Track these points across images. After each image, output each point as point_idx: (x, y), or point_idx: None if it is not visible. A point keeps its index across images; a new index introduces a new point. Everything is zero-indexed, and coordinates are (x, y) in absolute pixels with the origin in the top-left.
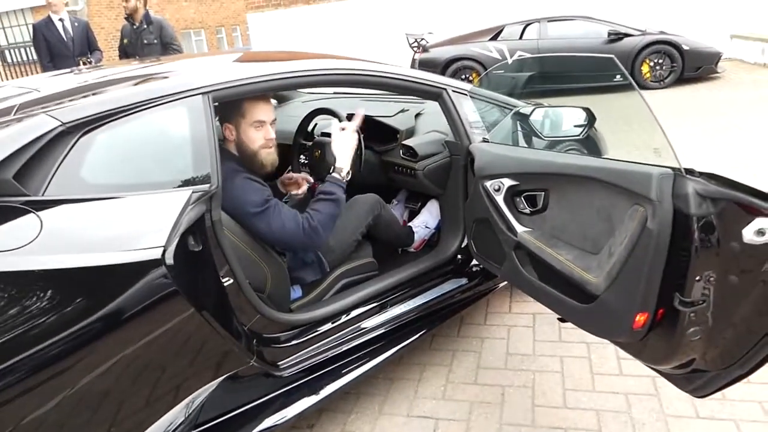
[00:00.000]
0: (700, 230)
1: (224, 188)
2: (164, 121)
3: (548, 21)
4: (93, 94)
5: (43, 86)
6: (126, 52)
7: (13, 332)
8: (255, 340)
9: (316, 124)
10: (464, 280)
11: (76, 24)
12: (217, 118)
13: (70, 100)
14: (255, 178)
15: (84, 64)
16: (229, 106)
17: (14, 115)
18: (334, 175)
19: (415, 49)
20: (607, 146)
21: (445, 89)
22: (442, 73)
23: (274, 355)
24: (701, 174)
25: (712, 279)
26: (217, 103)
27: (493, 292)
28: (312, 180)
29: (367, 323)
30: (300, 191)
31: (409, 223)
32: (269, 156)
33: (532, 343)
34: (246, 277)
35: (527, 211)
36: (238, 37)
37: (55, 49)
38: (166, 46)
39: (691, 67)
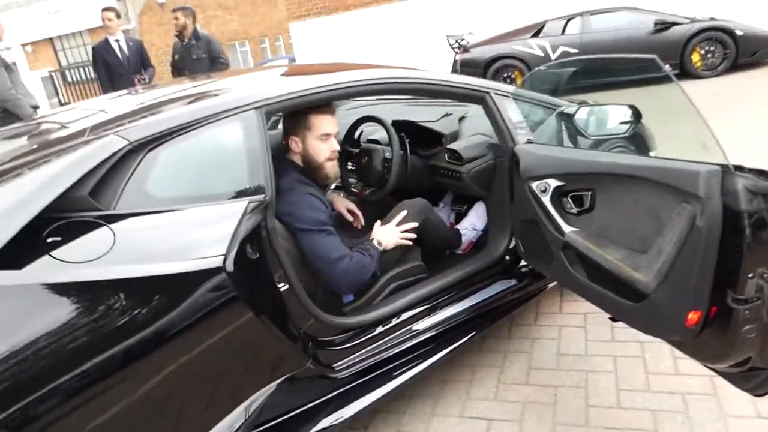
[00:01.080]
0: (752, 226)
1: (285, 198)
2: (220, 135)
3: (591, 14)
4: (155, 114)
5: (109, 107)
6: (177, 68)
7: (91, 336)
8: (310, 343)
9: (362, 132)
10: (513, 281)
11: (130, 43)
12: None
13: (135, 120)
14: (318, 194)
15: (139, 81)
16: (295, 119)
17: (87, 136)
18: (374, 243)
19: (456, 50)
20: (655, 142)
21: (488, 92)
22: (484, 72)
23: (329, 357)
24: (751, 170)
25: (766, 275)
26: (279, 115)
27: (543, 293)
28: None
29: (418, 325)
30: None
31: (457, 226)
32: (333, 168)
33: (584, 343)
34: (300, 282)
35: (574, 211)
36: (281, 46)
37: (113, 68)
38: (213, 60)
39: (746, 52)
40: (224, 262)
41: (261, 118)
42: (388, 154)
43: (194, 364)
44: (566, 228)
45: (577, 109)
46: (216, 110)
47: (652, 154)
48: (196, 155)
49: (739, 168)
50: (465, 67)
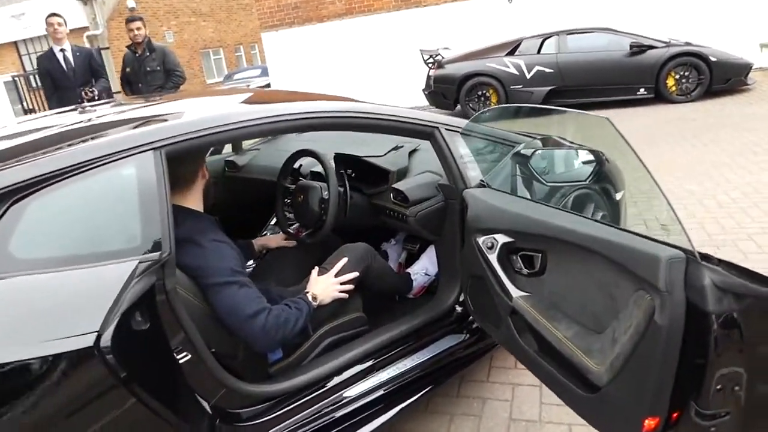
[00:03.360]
0: (720, 329)
1: (186, 250)
2: (109, 181)
3: (567, 34)
4: (30, 157)
5: None
6: (129, 81)
7: None
8: (218, 420)
9: (301, 165)
10: (464, 336)
11: (77, 54)
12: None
13: (3, 164)
14: (224, 239)
15: (86, 94)
16: (192, 168)
17: None
18: (309, 297)
19: (430, 65)
20: (623, 182)
21: (437, 128)
22: (458, 89)
23: None
24: (720, 261)
25: (737, 389)
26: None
27: (497, 347)
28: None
29: (355, 389)
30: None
31: (408, 270)
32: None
33: (538, 406)
34: (214, 344)
35: (524, 272)
36: (257, 54)
37: (58, 80)
38: (169, 72)
39: (720, 79)
40: (98, 340)
41: (160, 160)
42: (326, 194)
43: None
44: (514, 292)
45: (533, 152)
46: (105, 151)
47: (617, 196)
48: (76, 206)
49: (706, 257)
50: (439, 83)
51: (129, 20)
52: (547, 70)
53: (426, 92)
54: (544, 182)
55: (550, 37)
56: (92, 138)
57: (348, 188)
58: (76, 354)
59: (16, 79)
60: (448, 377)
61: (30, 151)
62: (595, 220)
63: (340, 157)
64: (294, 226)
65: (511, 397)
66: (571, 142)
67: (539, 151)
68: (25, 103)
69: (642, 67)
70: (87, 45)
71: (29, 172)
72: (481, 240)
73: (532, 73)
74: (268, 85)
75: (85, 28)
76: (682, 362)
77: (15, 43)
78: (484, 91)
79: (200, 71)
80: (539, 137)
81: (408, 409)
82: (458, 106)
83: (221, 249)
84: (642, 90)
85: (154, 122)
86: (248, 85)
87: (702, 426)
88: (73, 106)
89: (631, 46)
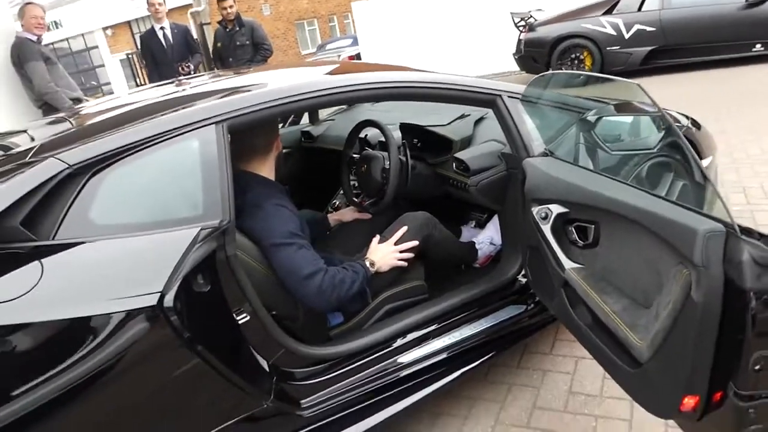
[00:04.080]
0: (759, 308)
1: (252, 213)
2: (174, 155)
3: None
4: (108, 132)
5: (78, 120)
6: (220, 55)
7: (8, 388)
8: (275, 378)
9: (367, 135)
10: (527, 306)
11: (175, 31)
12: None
13: (83, 140)
14: (287, 204)
15: (182, 68)
16: (267, 137)
17: (29, 158)
18: (366, 263)
19: (521, 28)
20: (714, 148)
21: (499, 95)
22: (550, 53)
23: (300, 392)
24: (762, 236)
25: None
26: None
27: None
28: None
29: (413, 353)
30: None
31: (473, 239)
32: None
33: (600, 381)
34: (275, 307)
35: (578, 243)
36: (350, 24)
37: (158, 56)
38: (257, 46)
39: None
40: (161, 300)
41: (222, 134)
42: (387, 163)
43: (133, 412)
44: (567, 263)
45: (597, 119)
46: (170, 126)
47: (704, 162)
48: (146, 178)
49: (747, 231)
50: (529, 47)
51: None
52: (649, 28)
53: (516, 57)
54: (609, 151)
55: None
56: (164, 113)
57: (409, 157)
58: (141, 312)
59: (130, 56)
60: (510, 345)
61: (112, 126)
62: (644, 190)
63: (405, 127)
64: (358, 194)
65: (573, 370)
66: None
67: (604, 118)
68: (138, 79)
69: (759, 21)
70: (191, 21)
71: (106, 146)
72: (535, 210)
73: (631, 33)
74: (359, 55)
75: (189, 6)
76: (721, 341)
77: (129, 22)
78: (578, 54)
79: (295, 42)
80: (613, 102)
81: (468, 375)
82: (549, 70)
83: (282, 212)
84: (758, 46)
85: (220, 97)
86: (339, 56)
87: (740, 407)
88: (171, 80)
89: None
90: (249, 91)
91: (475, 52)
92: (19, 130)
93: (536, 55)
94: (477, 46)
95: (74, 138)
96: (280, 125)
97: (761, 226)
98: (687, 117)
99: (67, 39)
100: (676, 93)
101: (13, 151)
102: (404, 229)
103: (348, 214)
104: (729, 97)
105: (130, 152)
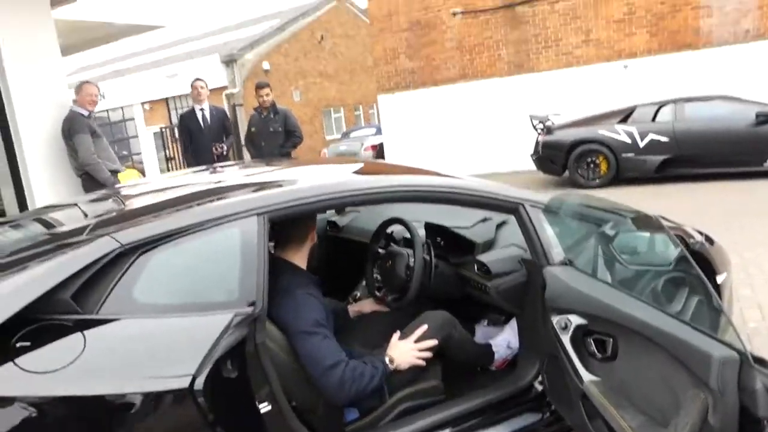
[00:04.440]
0: None
1: (281, 303)
2: (217, 242)
3: (685, 102)
4: (156, 215)
5: (130, 199)
6: (252, 140)
7: None
8: None
9: (393, 231)
10: (543, 415)
11: (214, 112)
12: None
13: (136, 221)
14: (316, 294)
15: (216, 149)
16: (304, 230)
17: (85, 235)
18: (386, 359)
19: (540, 131)
20: (728, 264)
21: (521, 204)
22: (567, 155)
23: None
24: None
25: None
26: None
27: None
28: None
29: None
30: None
31: (490, 341)
32: None
33: None
34: (295, 398)
35: (597, 356)
36: (374, 114)
37: (195, 135)
38: (289, 133)
39: None
40: (192, 383)
41: (262, 225)
42: (412, 261)
43: None
44: (586, 376)
45: (615, 233)
46: (216, 214)
47: (719, 278)
48: (188, 261)
49: (760, 361)
50: (547, 149)
51: (258, 86)
52: (663, 138)
53: (534, 157)
54: (626, 265)
55: (667, 104)
56: (209, 201)
57: (433, 257)
58: (172, 392)
59: (163, 130)
60: None
61: (160, 209)
62: (660, 309)
63: (430, 226)
64: (381, 290)
65: None
66: (666, 221)
67: (621, 234)
68: (167, 151)
69: None
70: (225, 102)
71: (156, 228)
72: (555, 320)
73: (645, 142)
74: (381, 145)
75: (224, 87)
76: None
77: (166, 99)
78: (594, 158)
79: (321, 128)
80: (631, 215)
81: None
82: (566, 173)
83: (311, 302)
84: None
85: (261, 189)
86: (362, 144)
87: None
88: (209, 166)
89: (758, 116)
90: (289, 185)
91: (494, 149)
92: (69, 203)
93: (553, 157)
94: (496, 145)
95: (126, 218)
96: None
97: None
98: (701, 233)
99: (107, 110)
100: (689, 203)
101: (71, 227)
102: (424, 327)
103: (368, 305)
104: (742, 210)
105: (177, 236)
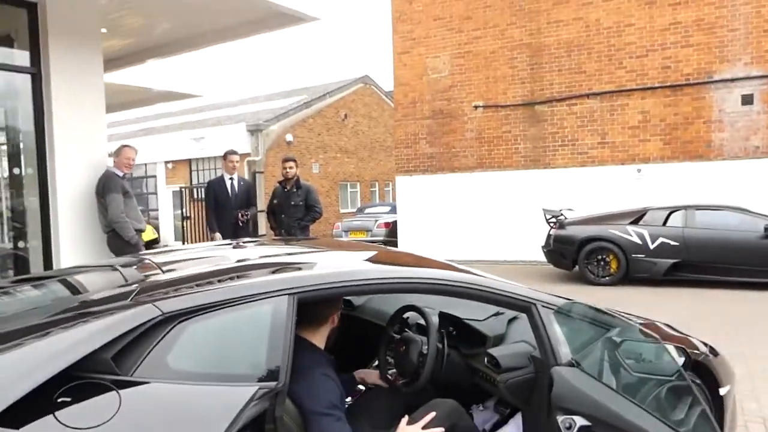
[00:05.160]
0: None
1: (298, 381)
2: (249, 317)
3: (696, 209)
4: (198, 285)
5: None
6: (274, 211)
7: None
8: None
9: (408, 316)
10: None
11: (241, 183)
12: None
13: (176, 290)
14: (332, 376)
15: (241, 216)
16: (327, 313)
17: (130, 300)
18: None
19: (552, 224)
20: (732, 376)
21: (534, 304)
22: (578, 251)
23: None
24: None
25: None
26: None
27: None
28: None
29: None
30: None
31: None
32: None
33: None
34: None
35: None
36: (389, 191)
37: (221, 201)
38: (309, 208)
39: None
40: None
41: (292, 304)
42: (425, 348)
43: None
44: None
45: (622, 341)
46: (251, 291)
47: (722, 390)
48: (221, 333)
49: None
50: (558, 243)
51: (285, 159)
52: (672, 242)
53: (545, 250)
54: (630, 371)
55: (678, 210)
56: (244, 278)
57: (446, 346)
58: None
59: (182, 190)
60: None
61: (198, 280)
62: (663, 421)
63: (444, 315)
64: (392, 372)
65: None
66: (673, 330)
67: (627, 341)
68: (184, 210)
69: None
70: (246, 168)
71: (197, 300)
72: (561, 419)
73: (655, 244)
74: (395, 223)
75: (248, 154)
76: None
77: (189, 160)
78: (604, 256)
79: (336, 201)
80: (639, 322)
81: None
82: (576, 267)
83: (327, 383)
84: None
85: (292, 270)
86: (376, 220)
87: None
88: (229, 241)
89: (766, 229)
90: (318, 269)
91: (506, 239)
92: (107, 265)
93: (564, 251)
94: (508, 234)
95: (170, 285)
96: None
97: None
98: (705, 344)
99: None
100: (698, 308)
101: (117, 291)
102: (432, 414)
103: (373, 375)
104: (750, 320)
105: (214, 308)
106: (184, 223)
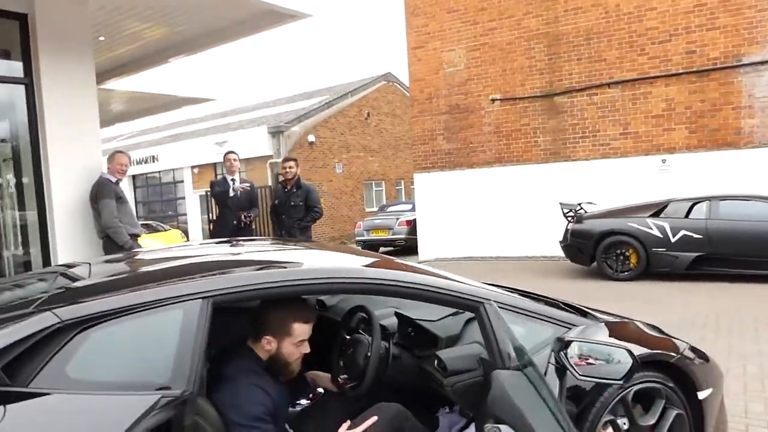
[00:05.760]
0: None
1: (226, 387)
2: (157, 323)
3: (720, 200)
4: (104, 292)
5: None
6: (275, 211)
7: None
8: None
9: (364, 317)
10: None
11: (245, 185)
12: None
13: (81, 297)
14: (266, 388)
15: (244, 217)
16: (275, 320)
17: (32, 308)
18: None
19: (569, 218)
20: (718, 379)
21: (482, 303)
22: (596, 246)
23: None
24: None
25: None
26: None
27: None
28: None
29: None
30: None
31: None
32: (298, 365)
33: None
34: None
35: None
36: (415, 189)
37: (223, 202)
38: (309, 208)
39: None
40: None
41: (206, 308)
42: (370, 350)
43: None
44: None
45: (569, 343)
46: (159, 296)
47: (702, 394)
48: (126, 341)
49: None
50: (576, 237)
51: (285, 159)
52: (695, 235)
53: (562, 245)
54: (577, 376)
55: (701, 201)
56: (158, 284)
57: (391, 346)
58: None
59: (208, 193)
60: None
61: (119, 287)
62: None
63: (401, 316)
64: (342, 377)
65: None
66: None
67: (576, 343)
68: (210, 214)
69: None
70: (269, 170)
71: (99, 306)
72: (488, 427)
73: (677, 237)
74: (415, 220)
75: (269, 157)
76: None
77: (214, 164)
78: (623, 251)
79: (361, 200)
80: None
81: None
82: (594, 263)
83: (254, 395)
84: None
85: (211, 273)
86: (397, 218)
87: None
88: (226, 239)
89: None
90: (236, 271)
91: (526, 234)
92: (50, 272)
93: (582, 246)
94: (528, 229)
95: (79, 293)
96: None
97: None
98: (694, 349)
99: (159, 171)
100: (718, 303)
101: (25, 299)
102: (373, 419)
103: (324, 379)
104: None
105: (119, 315)
106: (210, 227)
